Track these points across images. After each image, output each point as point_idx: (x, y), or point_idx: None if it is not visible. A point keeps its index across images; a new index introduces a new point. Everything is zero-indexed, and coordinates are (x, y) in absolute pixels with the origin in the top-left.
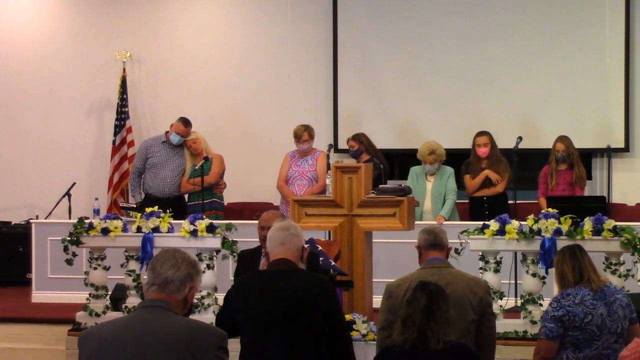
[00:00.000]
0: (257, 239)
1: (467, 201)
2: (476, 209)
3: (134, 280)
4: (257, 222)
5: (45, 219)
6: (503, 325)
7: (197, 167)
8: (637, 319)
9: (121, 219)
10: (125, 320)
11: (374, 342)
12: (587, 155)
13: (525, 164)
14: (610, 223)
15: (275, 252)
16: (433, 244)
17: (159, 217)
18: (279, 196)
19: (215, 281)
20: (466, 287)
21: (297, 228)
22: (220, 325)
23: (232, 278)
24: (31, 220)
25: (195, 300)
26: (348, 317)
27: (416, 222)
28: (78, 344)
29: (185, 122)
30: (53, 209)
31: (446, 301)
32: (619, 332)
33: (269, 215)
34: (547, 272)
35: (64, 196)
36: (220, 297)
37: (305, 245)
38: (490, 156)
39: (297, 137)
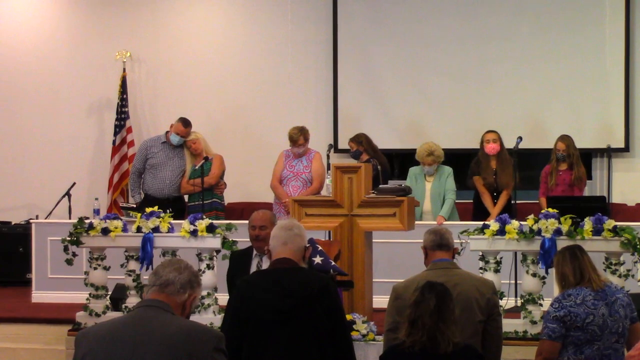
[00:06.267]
0: None
1: (471, 201)
2: (481, 213)
3: (134, 280)
4: None
5: (45, 219)
6: (503, 325)
7: (196, 168)
8: (637, 318)
9: (121, 219)
10: (122, 319)
11: (374, 342)
12: (587, 155)
13: (525, 164)
14: (610, 223)
15: (277, 251)
16: (439, 244)
17: (159, 217)
18: None
19: (216, 281)
20: (474, 288)
21: (300, 228)
22: (230, 337)
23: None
24: (31, 220)
25: None
26: (348, 317)
27: (416, 223)
28: (75, 343)
29: (185, 122)
30: (53, 209)
31: (453, 301)
32: (620, 332)
33: (259, 214)
34: (547, 272)
35: (64, 196)
36: (220, 297)
37: (307, 245)
38: (500, 155)
39: (293, 141)
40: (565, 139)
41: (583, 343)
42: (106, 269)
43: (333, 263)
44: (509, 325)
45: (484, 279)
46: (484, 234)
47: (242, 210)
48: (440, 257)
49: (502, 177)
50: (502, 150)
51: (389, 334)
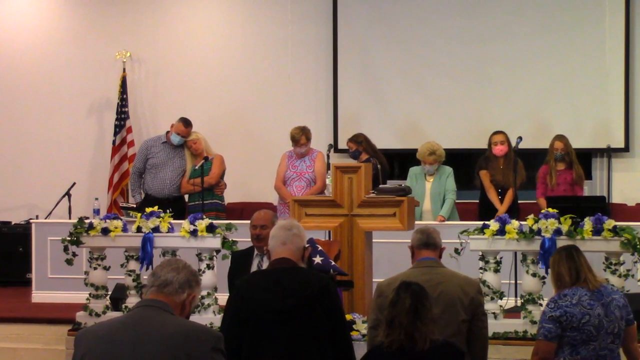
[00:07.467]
0: None
1: (471, 201)
2: (487, 210)
3: (134, 280)
4: None
5: (45, 219)
6: (503, 325)
7: (196, 168)
8: (633, 320)
9: (121, 219)
10: (121, 319)
11: None
12: (587, 155)
13: (525, 164)
14: (610, 223)
15: (276, 251)
16: (426, 243)
17: (159, 217)
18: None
19: (216, 281)
20: (457, 287)
21: (299, 228)
22: (230, 337)
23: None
24: (31, 220)
25: None
26: (348, 317)
27: (416, 222)
28: (74, 343)
29: (186, 122)
30: (53, 209)
31: (429, 300)
32: (615, 333)
33: (261, 214)
34: (547, 272)
35: (64, 196)
36: (220, 297)
37: (307, 245)
38: (508, 155)
39: (295, 140)
40: (562, 138)
41: (579, 343)
42: (106, 269)
43: (333, 263)
44: (509, 325)
45: (469, 279)
46: (484, 233)
47: (242, 210)
48: (426, 255)
49: (510, 176)
50: (510, 151)
51: (371, 331)
